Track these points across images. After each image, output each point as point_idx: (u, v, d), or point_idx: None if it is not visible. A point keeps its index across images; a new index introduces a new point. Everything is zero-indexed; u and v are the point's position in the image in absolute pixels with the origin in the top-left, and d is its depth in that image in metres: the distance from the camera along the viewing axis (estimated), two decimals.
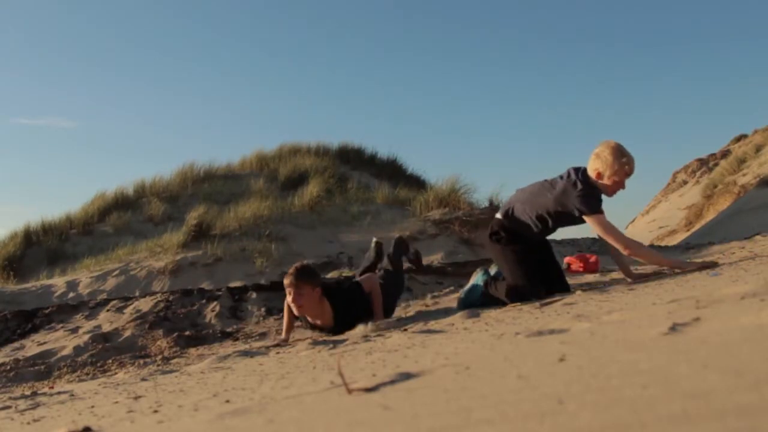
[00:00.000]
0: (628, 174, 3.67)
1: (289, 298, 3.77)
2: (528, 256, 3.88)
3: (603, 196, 3.77)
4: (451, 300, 4.84)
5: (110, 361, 4.06)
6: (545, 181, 3.91)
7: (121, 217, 10.84)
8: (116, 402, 2.21)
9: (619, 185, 3.69)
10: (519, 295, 3.76)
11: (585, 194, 3.65)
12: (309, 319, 3.84)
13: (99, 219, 11.02)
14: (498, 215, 4.05)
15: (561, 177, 3.85)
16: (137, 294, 6.57)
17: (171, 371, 3.19)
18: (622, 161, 3.62)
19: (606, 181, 3.68)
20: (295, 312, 3.78)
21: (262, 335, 4.41)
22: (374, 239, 4.83)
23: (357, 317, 3.80)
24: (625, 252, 3.68)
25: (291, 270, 3.74)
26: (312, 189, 9.96)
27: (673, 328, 1.28)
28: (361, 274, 4.50)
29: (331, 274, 6.71)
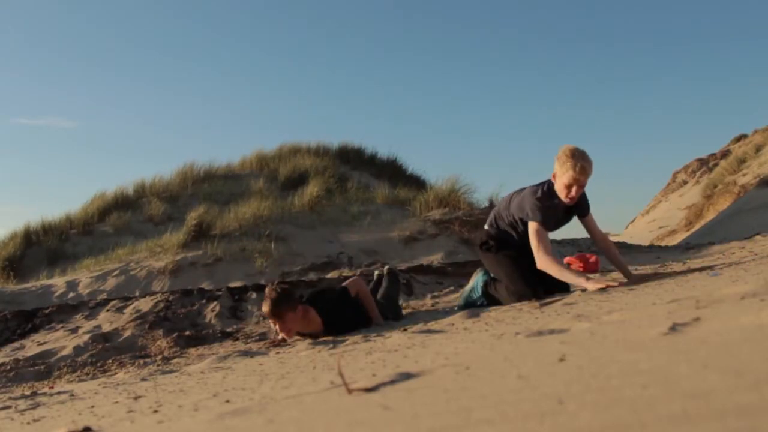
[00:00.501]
0: (576, 178, 3.62)
1: (276, 328, 3.71)
2: (520, 259, 3.91)
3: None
4: (451, 300, 4.84)
5: (110, 361, 4.06)
6: (521, 189, 3.99)
7: (121, 217, 10.84)
8: (116, 402, 2.21)
9: (567, 189, 3.67)
10: (518, 297, 3.79)
11: (535, 200, 3.75)
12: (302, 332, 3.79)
13: (99, 219, 11.01)
14: (485, 226, 4.14)
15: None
16: (137, 294, 6.57)
17: (171, 371, 3.19)
18: (568, 165, 3.61)
19: (558, 184, 3.72)
20: (287, 338, 3.71)
21: (262, 335, 4.41)
22: (387, 267, 4.81)
23: (348, 319, 3.77)
24: (537, 263, 3.72)
25: (266, 303, 3.62)
26: (312, 189, 9.96)
27: (673, 328, 1.29)
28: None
29: (331, 275, 6.72)
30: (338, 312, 3.77)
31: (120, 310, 5.53)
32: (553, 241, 9.34)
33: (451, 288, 5.41)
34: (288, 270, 7.33)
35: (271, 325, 3.82)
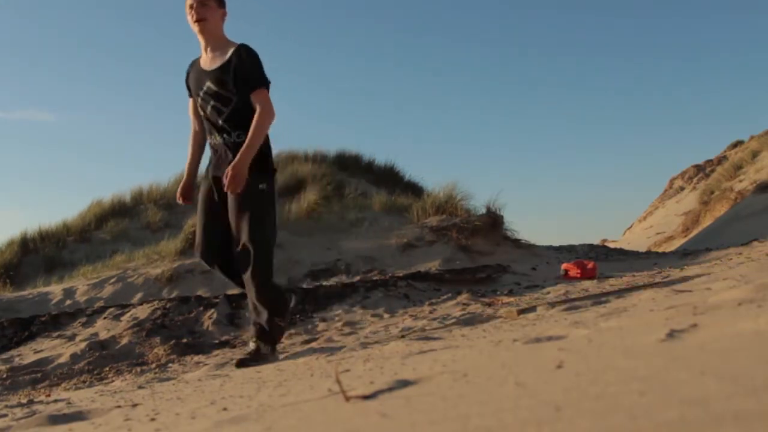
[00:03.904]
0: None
1: (190, 18, 3.19)
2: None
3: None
4: (449, 307, 4.84)
5: (107, 368, 4.04)
6: None
7: (118, 224, 10.81)
8: (113, 410, 2.20)
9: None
10: None
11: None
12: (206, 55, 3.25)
13: (96, 226, 10.98)
14: None
15: None
16: (134, 301, 6.55)
17: (168, 379, 3.18)
18: None
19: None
20: (196, 29, 3.20)
21: None
22: None
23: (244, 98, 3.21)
24: None
25: None
26: (309, 196, 9.95)
27: (671, 335, 1.29)
28: None
29: (329, 282, 6.71)
30: (246, 68, 3.19)
31: (117, 317, 5.51)
32: (551, 247, 9.33)
33: (449, 295, 5.40)
34: (291, 276, 7.33)
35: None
